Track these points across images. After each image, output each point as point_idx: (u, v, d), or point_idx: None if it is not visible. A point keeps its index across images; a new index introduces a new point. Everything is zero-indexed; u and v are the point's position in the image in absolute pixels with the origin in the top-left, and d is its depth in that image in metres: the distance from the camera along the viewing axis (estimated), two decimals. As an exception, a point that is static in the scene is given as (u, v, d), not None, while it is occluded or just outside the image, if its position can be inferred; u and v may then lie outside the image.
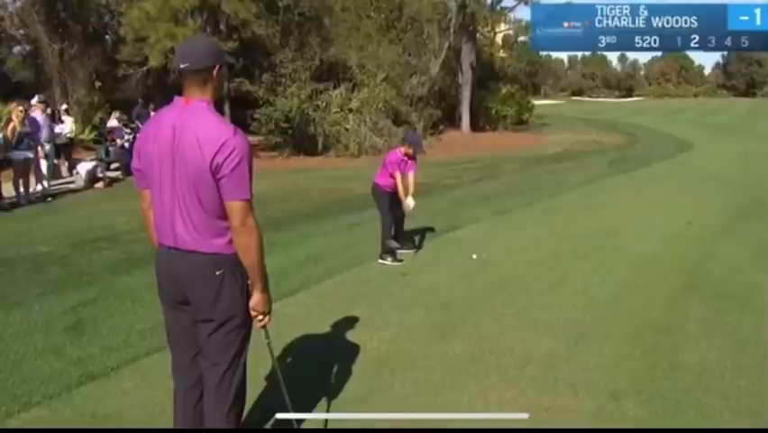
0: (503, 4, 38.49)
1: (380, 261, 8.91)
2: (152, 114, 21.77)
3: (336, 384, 5.01)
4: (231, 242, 3.29)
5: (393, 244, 9.05)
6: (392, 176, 8.86)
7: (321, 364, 5.34)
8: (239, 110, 24.84)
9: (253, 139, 25.40)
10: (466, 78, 36.52)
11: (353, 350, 5.69)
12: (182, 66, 3.26)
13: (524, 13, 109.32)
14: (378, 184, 9.13)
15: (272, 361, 3.90)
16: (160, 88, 28.14)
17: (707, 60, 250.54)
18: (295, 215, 12.21)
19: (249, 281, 3.40)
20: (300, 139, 24.23)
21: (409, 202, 8.89)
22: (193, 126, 3.17)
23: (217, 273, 3.29)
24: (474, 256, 9.03)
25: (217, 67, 3.35)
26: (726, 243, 10.09)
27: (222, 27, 24.18)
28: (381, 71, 27.49)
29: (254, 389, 4.46)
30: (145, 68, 23.32)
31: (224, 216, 3.24)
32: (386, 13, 32.88)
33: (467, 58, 36.54)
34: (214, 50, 3.44)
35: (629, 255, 9.39)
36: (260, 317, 3.47)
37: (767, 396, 5.01)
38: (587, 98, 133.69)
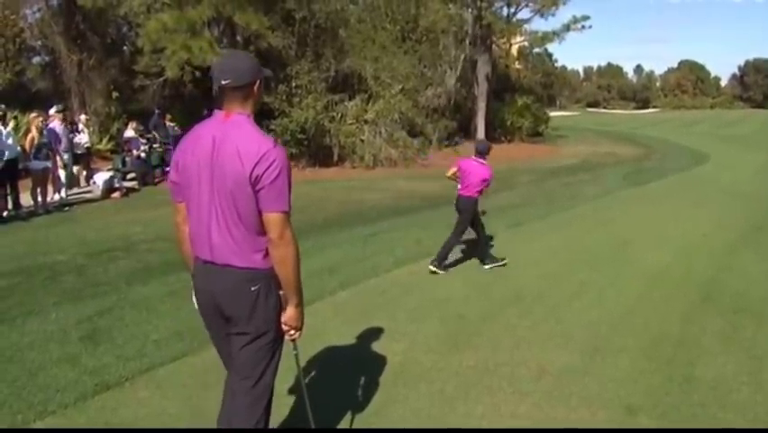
0: (519, 16, 38.26)
1: (487, 266, 9.29)
2: (168, 124, 22.01)
3: (351, 396, 5.03)
4: (266, 257, 3.28)
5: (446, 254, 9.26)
6: (481, 188, 9.18)
7: (336, 375, 5.35)
8: (255, 121, 24.92)
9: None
10: (482, 90, 36.44)
11: (368, 361, 5.70)
12: (224, 82, 3.31)
13: (539, 25, 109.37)
14: (469, 196, 9.29)
15: (298, 372, 3.97)
16: (176, 99, 28.31)
17: (723, 72, 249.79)
18: (310, 225, 12.22)
19: (282, 294, 3.39)
20: (316, 150, 24.26)
21: None
22: (233, 138, 3.20)
23: (252, 289, 3.30)
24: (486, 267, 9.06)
25: (258, 82, 3.39)
26: (742, 256, 10.03)
27: (238, 38, 24.30)
28: (397, 83, 27.52)
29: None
30: (162, 79, 23.41)
31: (261, 230, 3.24)
32: (401, 24, 32.93)
33: (482, 69, 36.48)
34: (253, 66, 3.43)
35: (644, 268, 9.36)
36: (292, 331, 3.49)
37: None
38: (602, 110, 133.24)
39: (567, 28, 37.16)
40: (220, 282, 3.33)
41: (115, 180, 17.05)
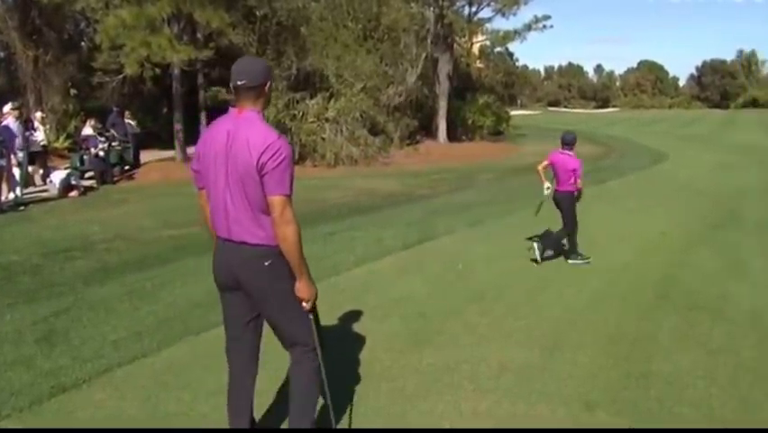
0: (480, 15, 38.51)
1: (572, 261, 9.61)
2: (127, 122, 21.75)
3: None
4: (274, 234, 3.66)
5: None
6: (575, 180, 9.46)
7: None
8: (215, 119, 24.67)
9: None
10: (443, 89, 36.61)
11: (329, 360, 5.66)
12: (239, 83, 3.72)
13: (500, 24, 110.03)
14: (565, 191, 9.59)
15: (318, 354, 4.06)
16: (135, 97, 27.98)
17: (681, 72, 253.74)
18: (271, 224, 12.17)
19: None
20: (277, 149, 24.15)
21: None
22: (245, 132, 3.63)
23: (266, 264, 3.73)
24: (460, 266, 9.07)
25: (268, 83, 3.84)
26: (699, 253, 10.18)
27: (198, 36, 24.09)
28: (358, 81, 27.53)
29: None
30: (121, 76, 23.12)
31: (267, 211, 3.63)
32: (363, 23, 32.92)
33: (444, 68, 36.64)
34: (266, 69, 3.91)
35: (603, 265, 9.45)
36: (305, 303, 3.85)
37: (738, 404, 5.08)
38: (563, 109, 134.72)
39: (528, 27, 37.65)
40: (237, 258, 3.78)
41: (73, 179, 16.81)
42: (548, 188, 9.80)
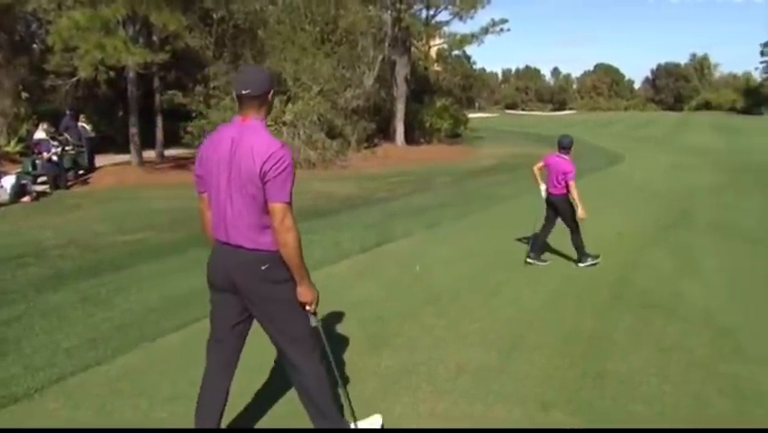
0: (438, 18, 38.63)
1: (582, 264, 9.67)
2: (81, 126, 21.42)
3: (268, 400, 4.98)
4: (273, 240, 3.77)
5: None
6: (566, 183, 9.51)
7: (251, 380, 5.28)
8: (171, 122, 24.49)
9: (186, 152, 25.08)
10: (401, 92, 36.68)
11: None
12: (244, 92, 3.81)
13: (458, 27, 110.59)
14: (558, 193, 9.69)
15: (326, 350, 4.24)
16: (90, 100, 27.58)
17: (637, 75, 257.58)
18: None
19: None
20: (234, 152, 23.96)
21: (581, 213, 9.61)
22: (249, 140, 3.73)
23: (263, 268, 3.81)
24: (417, 268, 9.09)
25: (271, 92, 3.95)
26: (653, 253, 10.33)
27: (154, 38, 23.86)
28: (316, 84, 27.46)
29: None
30: (74, 79, 22.80)
31: (266, 217, 3.75)
32: (321, 26, 32.85)
33: (401, 71, 36.71)
34: (270, 78, 4.00)
35: (559, 266, 9.58)
36: (307, 306, 3.98)
37: (691, 401, 5.17)
38: (521, 111, 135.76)
39: (485, 31, 37.76)
40: (234, 261, 3.85)
41: (25, 183, 16.52)
42: (546, 189, 9.86)
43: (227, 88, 24.02)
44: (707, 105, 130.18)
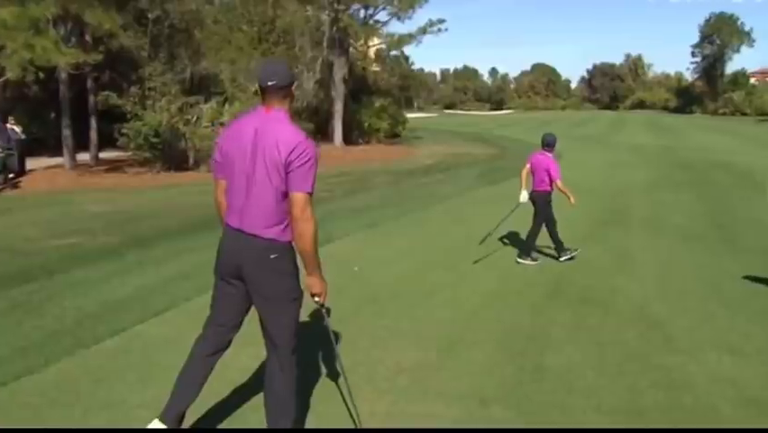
0: (376, 19, 38.72)
1: (563, 258, 9.93)
2: (10, 128, 20.86)
3: (207, 402, 4.92)
4: (285, 231, 3.92)
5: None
6: (549, 180, 9.77)
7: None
8: (106, 124, 24.03)
9: (121, 155, 24.65)
10: (339, 92, 36.67)
11: (224, 367, 5.57)
12: (269, 83, 3.93)
13: (396, 28, 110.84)
14: (541, 190, 9.90)
15: (333, 344, 4.50)
16: (19, 101, 26.88)
17: (573, 75, 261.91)
18: (165, 231, 11.92)
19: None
20: (170, 154, 23.64)
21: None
22: (273, 130, 3.85)
23: (272, 257, 3.91)
24: (356, 268, 9.09)
25: (294, 84, 4.11)
26: (590, 249, 10.49)
27: (87, 38, 23.40)
28: (253, 84, 27.22)
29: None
30: (2, 79, 22.19)
31: (284, 209, 3.87)
32: (258, 26, 32.69)
33: (339, 71, 36.71)
34: (292, 71, 4.19)
35: (498, 264, 9.68)
36: (317, 298, 4.10)
37: (625, 393, 5.29)
38: (459, 111, 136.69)
39: (423, 31, 38.00)
40: (246, 248, 3.93)
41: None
42: (524, 197, 10.06)
43: (163, 89, 23.71)
44: (641, 105, 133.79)
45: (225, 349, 4.33)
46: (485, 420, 4.82)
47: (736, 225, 13.27)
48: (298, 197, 3.79)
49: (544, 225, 10.01)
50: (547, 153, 9.83)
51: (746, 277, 9.01)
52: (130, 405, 4.88)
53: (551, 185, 9.77)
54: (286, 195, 3.83)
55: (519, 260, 9.87)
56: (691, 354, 6.22)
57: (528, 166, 10.05)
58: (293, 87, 4.08)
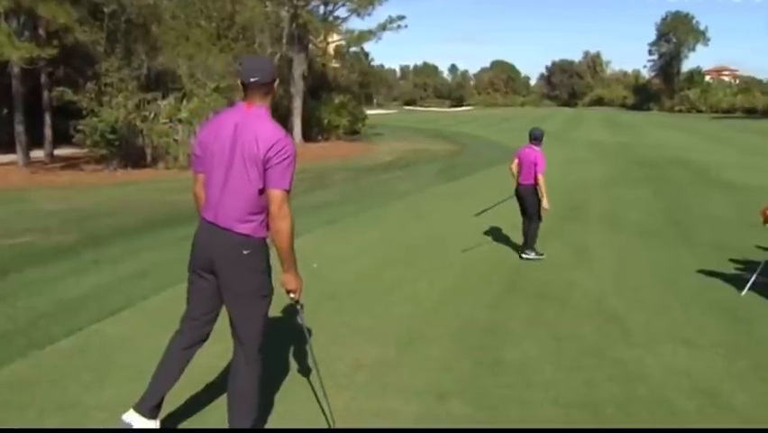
0: (335, 15, 38.65)
1: (525, 255, 9.95)
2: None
3: (167, 402, 4.86)
4: (260, 227, 3.95)
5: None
6: (535, 173, 9.71)
7: (147, 383, 5.17)
8: (62, 121, 23.67)
9: (77, 152, 24.30)
10: (298, 88, 36.57)
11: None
12: (252, 80, 3.95)
13: (356, 24, 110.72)
14: (527, 184, 9.86)
15: (306, 341, 4.58)
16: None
17: (532, 71, 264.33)
18: (121, 229, 11.77)
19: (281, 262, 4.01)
20: (128, 151, 23.36)
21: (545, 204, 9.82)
22: (253, 126, 3.87)
23: (245, 252, 3.92)
24: (315, 265, 9.06)
25: (277, 81, 4.12)
26: (548, 245, 10.56)
27: (41, 32, 23.01)
28: (212, 81, 27.01)
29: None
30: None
31: (261, 205, 3.89)
32: (217, 21, 32.42)
33: (299, 68, 36.60)
34: (275, 68, 4.29)
35: (456, 260, 9.72)
36: (292, 294, 4.11)
37: (582, 386, 5.35)
38: (419, 108, 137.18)
39: (383, 27, 38.07)
40: (219, 242, 3.96)
41: None
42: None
43: (120, 85, 23.38)
44: (599, 101, 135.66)
45: (203, 342, 4.32)
46: (444, 416, 4.85)
47: (691, 221, 13.49)
48: (276, 194, 3.81)
49: (525, 217, 10.09)
50: (534, 147, 9.87)
51: (701, 271, 9.17)
52: (86, 406, 4.81)
53: (536, 179, 9.80)
54: (263, 191, 3.85)
55: (524, 255, 9.95)
56: (647, 347, 6.32)
57: (516, 161, 10.07)
58: (275, 84, 4.10)
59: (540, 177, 9.68)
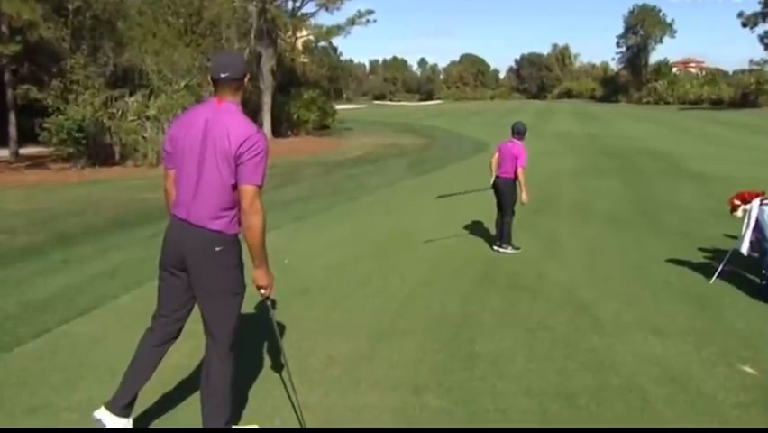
0: (304, 10, 38.52)
1: (502, 250, 9.93)
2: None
3: (138, 401, 4.82)
4: (232, 223, 3.94)
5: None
6: (515, 167, 9.81)
7: (118, 383, 5.11)
8: (27, 119, 23.34)
9: (43, 150, 23.99)
10: (267, 84, 36.39)
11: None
12: (223, 75, 3.94)
13: (324, 19, 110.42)
14: (506, 177, 9.88)
15: (277, 337, 4.58)
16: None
17: (501, 65, 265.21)
18: (89, 229, 11.64)
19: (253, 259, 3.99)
20: (95, 149, 23.07)
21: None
22: (224, 122, 3.85)
23: (217, 249, 3.91)
24: (286, 261, 9.02)
25: (248, 77, 4.11)
26: (520, 236, 10.59)
27: (4, 29, 22.67)
28: (179, 77, 26.77)
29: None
30: None
31: (233, 201, 3.88)
32: (184, 17, 32.15)
33: (267, 63, 36.43)
34: (245, 63, 4.27)
35: (427, 254, 9.74)
36: (263, 291, 4.09)
37: (554, 376, 5.39)
38: (389, 102, 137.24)
39: (352, 22, 38.07)
40: (191, 239, 3.92)
41: None
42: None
43: (86, 82, 23.11)
44: (568, 94, 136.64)
45: (174, 339, 4.28)
46: (419, 409, 4.85)
47: (659, 210, 13.62)
48: (248, 189, 3.80)
49: (499, 210, 10.11)
50: (516, 141, 9.93)
51: (670, 260, 9.26)
52: (57, 408, 4.75)
53: (515, 172, 9.82)
54: (234, 187, 3.83)
55: (500, 249, 9.95)
56: (618, 336, 6.38)
57: (497, 154, 10.12)
58: (246, 80, 4.09)
59: (520, 170, 9.74)
